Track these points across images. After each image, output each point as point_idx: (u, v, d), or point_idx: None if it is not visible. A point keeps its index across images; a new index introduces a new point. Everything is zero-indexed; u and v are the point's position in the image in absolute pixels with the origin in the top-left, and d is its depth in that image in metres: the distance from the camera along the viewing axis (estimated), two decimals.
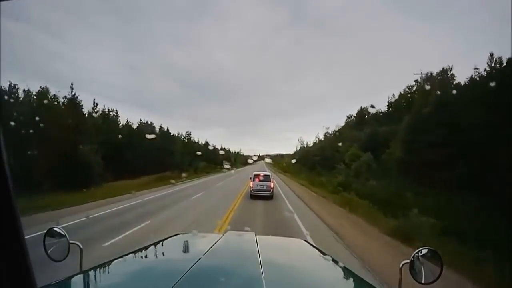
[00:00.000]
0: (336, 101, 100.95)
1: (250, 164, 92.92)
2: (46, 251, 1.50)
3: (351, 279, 1.50)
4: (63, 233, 1.53)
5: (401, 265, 1.42)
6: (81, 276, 1.31)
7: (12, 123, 12.46)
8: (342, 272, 1.59)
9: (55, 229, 1.55)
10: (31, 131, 14.46)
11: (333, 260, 1.67)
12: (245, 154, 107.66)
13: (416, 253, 1.39)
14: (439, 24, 57.82)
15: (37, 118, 15.58)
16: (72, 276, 1.28)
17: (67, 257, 1.50)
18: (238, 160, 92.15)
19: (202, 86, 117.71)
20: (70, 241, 1.51)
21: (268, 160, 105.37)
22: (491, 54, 15.82)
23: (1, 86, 17.09)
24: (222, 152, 74.65)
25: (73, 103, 20.49)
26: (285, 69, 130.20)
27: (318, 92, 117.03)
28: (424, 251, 1.38)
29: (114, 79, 74.06)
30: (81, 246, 1.57)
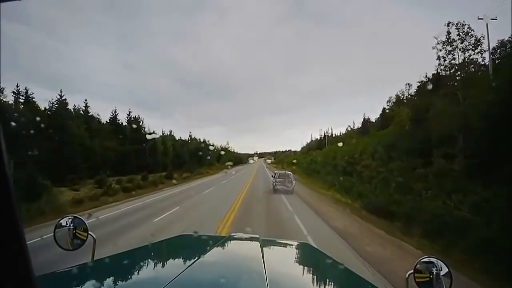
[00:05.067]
0: (338, 99, 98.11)
1: (242, 165, 71.11)
2: (56, 241, 1.43)
3: (358, 284, 1.48)
4: (76, 223, 1.47)
5: (407, 275, 1.33)
6: (83, 267, 1.33)
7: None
8: (349, 277, 1.53)
9: (67, 219, 1.48)
10: None
11: (340, 264, 1.59)
12: (239, 152, 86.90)
13: (418, 262, 1.30)
14: (447, 13, 49.07)
15: None
16: (73, 267, 1.26)
17: (80, 247, 1.43)
18: (225, 158, 64.84)
19: (201, 84, 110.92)
20: (83, 232, 1.46)
21: (269, 160, 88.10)
22: None
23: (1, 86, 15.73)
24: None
25: None
26: (286, 65, 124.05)
27: (320, 90, 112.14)
28: (427, 259, 1.31)
29: (110, 78, 68.16)
30: (94, 236, 1.50)
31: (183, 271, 1.07)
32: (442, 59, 12.81)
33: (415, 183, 11.54)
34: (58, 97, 25.39)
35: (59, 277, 1.17)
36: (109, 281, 1.18)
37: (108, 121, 29.61)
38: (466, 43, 12.20)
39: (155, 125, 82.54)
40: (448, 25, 12.33)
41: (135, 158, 28.81)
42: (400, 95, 39.26)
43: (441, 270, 1.26)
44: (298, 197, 15.21)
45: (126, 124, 32.89)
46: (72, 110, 27.68)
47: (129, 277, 1.22)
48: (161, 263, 1.45)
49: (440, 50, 12.82)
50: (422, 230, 8.12)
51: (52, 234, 1.42)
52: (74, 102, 27.34)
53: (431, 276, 1.26)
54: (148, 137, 34.57)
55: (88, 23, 65.14)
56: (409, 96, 24.70)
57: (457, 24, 12.29)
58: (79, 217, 1.49)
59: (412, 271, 1.30)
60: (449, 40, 12.41)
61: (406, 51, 70.43)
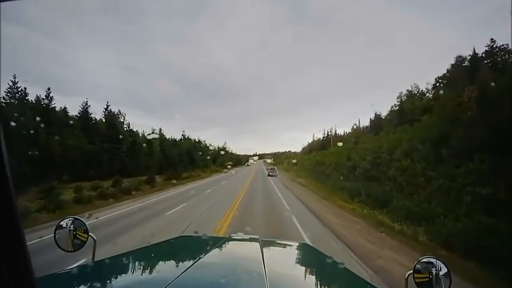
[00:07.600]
0: (335, 99, 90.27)
1: (240, 166, 65.62)
2: (56, 242, 1.40)
3: (358, 284, 1.43)
4: (76, 224, 1.45)
5: (406, 276, 1.29)
6: (84, 268, 1.38)
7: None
8: (348, 277, 1.48)
9: (67, 220, 1.45)
10: None
11: (339, 264, 1.56)
12: (239, 153, 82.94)
13: (418, 262, 1.26)
14: (443, 16, 41.00)
15: None
16: (74, 268, 1.28)
17: (81, 248, 1.41)
18: (222, 159, 60.01)
19: (201, 86, 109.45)
20: (83, 233, 1.43)
21: (268, 160, 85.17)
22: None
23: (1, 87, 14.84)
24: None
25: None
26: (284, 67, 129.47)
27: (317, 91, 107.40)
28: (427, 259, 1.26)
29: (112, 81, 63.20)
30: (95, 238, 1.49)
31: (183, 272, 1.07)
32: None
33: None
34: (11, 84, 20.83)
35: (59, 278, 1.17)
36: (110, 282, 1.16)
37: (78, 115, 24.78)
38: None
39: (155, 127, 79.80)
40: None
41: (110, 159, 24.11)
42: (413, 89, 34.93)
43: (441, 270, 1.22)
44: (319, 221, 10.51)
45: (103, 119, 28.23)
46: (34, 101, 23.10)
47: (130, 278, 1.20)
48: (161, 264, 1.45)
49: None
50: None
51: (53, 235, 1.39)
52: (74, 104, 24.01)
53: (431, 276, 1.22)
54: (129, 135, 29.88)
55: (89, 26, 67.51)
56: (443, 81, 20.16)
57: None
58: (80, 218, 1.46)
59: (411, 271, 1.26)
60: None
61: (405, 51, 72.49)
